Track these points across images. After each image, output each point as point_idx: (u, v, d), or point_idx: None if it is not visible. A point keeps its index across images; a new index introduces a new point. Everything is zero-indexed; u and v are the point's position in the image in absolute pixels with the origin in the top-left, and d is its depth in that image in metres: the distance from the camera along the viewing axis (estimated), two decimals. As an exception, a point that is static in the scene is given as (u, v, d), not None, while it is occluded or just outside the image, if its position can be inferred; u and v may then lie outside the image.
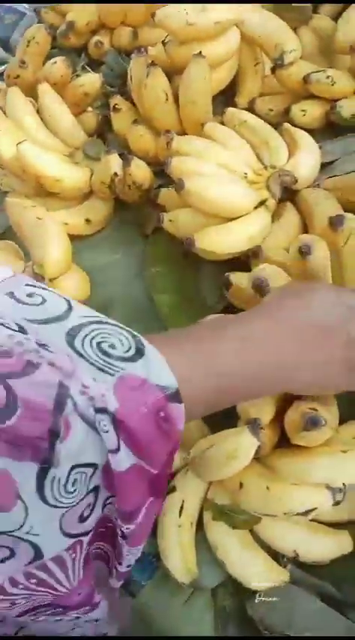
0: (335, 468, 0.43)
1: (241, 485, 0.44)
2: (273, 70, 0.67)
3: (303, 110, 0.67)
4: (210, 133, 0.61)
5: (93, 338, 0.30)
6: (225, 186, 0.55)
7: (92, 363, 0.29)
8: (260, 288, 0.46)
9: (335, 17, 0.73)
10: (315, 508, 0.41)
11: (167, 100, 0.65)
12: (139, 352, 0.31)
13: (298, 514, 0.41)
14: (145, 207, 0.67)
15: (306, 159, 0.60)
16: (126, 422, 0.28)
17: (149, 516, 0.34)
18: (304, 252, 0.44)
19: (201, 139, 0.61)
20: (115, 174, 0.62)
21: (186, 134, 0.67)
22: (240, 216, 0.55)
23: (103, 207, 0.66)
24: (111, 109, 0.71)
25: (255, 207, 0.55)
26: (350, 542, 0.46)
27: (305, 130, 0.66)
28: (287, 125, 0.64)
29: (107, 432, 0.28)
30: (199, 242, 0.52)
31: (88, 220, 0.65)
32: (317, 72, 0.65)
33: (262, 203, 0.55)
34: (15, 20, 1.10)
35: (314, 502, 0.41)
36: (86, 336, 0.30)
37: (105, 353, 0.30)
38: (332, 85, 0.66)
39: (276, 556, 0.47)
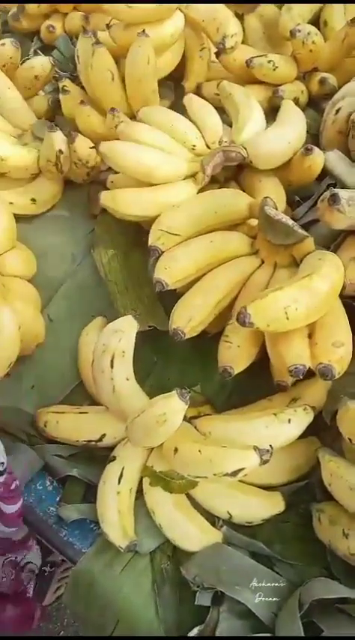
0: (262, 430, 0.45)
1: (176, 450, 0.45)
2: (217, 54, 0.68)
3: (247, 94, 0.69)
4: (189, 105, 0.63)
5: None
6: (144, 151, 0.56)
7: None
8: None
9: (281, 5, 0.75)
10: (243, 468, 0.42)
11: (113, 79, 0.66)
12: None
13: (227, 474, 0.43)
14: (93, 187, 0.68)
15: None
16: None
17: None
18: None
19: (146, 125, 0.62)
20: (60, 151, 0.62)
21: (134, 114, 0.68)
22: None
23: (50, 187, 0.67)
24: (60, 91, 0.71)
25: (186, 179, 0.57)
26: (282, 503, 0.48)
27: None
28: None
29: None
30: (104, 199, 0.54)
31: (33, 200, 0.66)
32: (259, 56, 0.67)
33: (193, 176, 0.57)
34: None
35: (242, 462, 0.42)
36: None
37: None
38: (274, 69, 0.68)
39: (213, 519, 0.49)
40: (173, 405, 0.43)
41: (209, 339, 0.53)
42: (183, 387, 0.44)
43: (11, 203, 0.64)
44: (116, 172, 0.61)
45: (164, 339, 0.55)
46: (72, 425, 0.53)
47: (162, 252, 0.53)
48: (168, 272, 0.51)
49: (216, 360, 0.51)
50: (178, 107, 0.69)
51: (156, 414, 0.43)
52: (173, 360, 0.58)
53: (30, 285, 0.61)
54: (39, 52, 0.82)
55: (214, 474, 0.43)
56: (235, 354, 0.48)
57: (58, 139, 0.62)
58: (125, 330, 0.50)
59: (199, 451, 0.44)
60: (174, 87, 0.76)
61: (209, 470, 0.43)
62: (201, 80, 0.73)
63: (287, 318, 0.42)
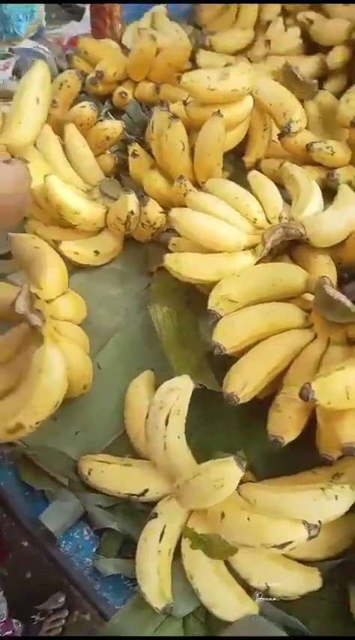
0: (310, 505, 0.46)
1: (223, 515, 0.46)
2: (280, 136, 0.74)
3: (304, 174, 0.73)
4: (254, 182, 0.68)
5: None
6: (210, 221, 0.61)
7: None
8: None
9: (337, 94, 0.82)
10: (291, 541, 0.43)
11: (183, 149, 0.71)
12: None
13: (275, 546, 0.43)
14: (151, 245, 0.72)
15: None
16: None
17: None
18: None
19: (212, 195, 0.67)
20: (132, 212, 0.67)
21: (197, 182, 0.73)
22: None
23: (113, 241, 0.71)
24: (130, 155, 0.77)
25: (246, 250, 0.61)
26: (319, 580, 0.48)
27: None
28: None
29: None
30: (168, 261, 0.59)
31: (96, 252, 0.70)
32: (319, 142, 0.72)
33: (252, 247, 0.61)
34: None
35: (291, 536, 0.43)
36: None
37: None
38: (332, 154, 0.72)
39: (249, 588, 0.48)
40: (231, 471, 0.44)
41: (253, 405, 0.55)
42: (233, 452, 0.45)
43: (76, 253, 0.67)
44: (177, 235, 0.65)
45: (210, 399, 0.57)
46: (116, 476, 0.54)
47: (221, 317, 0.56)
48: (227, 337, 0.54)
49: (259, 425, 0.52)
50: (237, 179, 0.73)
51: (214, 479, 0.44)
52: (217, 422, 0.60)
53: (79, 329, 0.63)
54: (109, 114, 0.89)
55: (262, 544, 0.44)
56: (286, 425, 0.50)
57: (131, 201, 0.66)
58: (182, 389, 0.51)
59: (248, 519, 0.45)
60: (233, 159, 0.81)
61: (257, 539, 0.44)
62: (260, 156, 0.78)
63: (348, 397, 0.44)
